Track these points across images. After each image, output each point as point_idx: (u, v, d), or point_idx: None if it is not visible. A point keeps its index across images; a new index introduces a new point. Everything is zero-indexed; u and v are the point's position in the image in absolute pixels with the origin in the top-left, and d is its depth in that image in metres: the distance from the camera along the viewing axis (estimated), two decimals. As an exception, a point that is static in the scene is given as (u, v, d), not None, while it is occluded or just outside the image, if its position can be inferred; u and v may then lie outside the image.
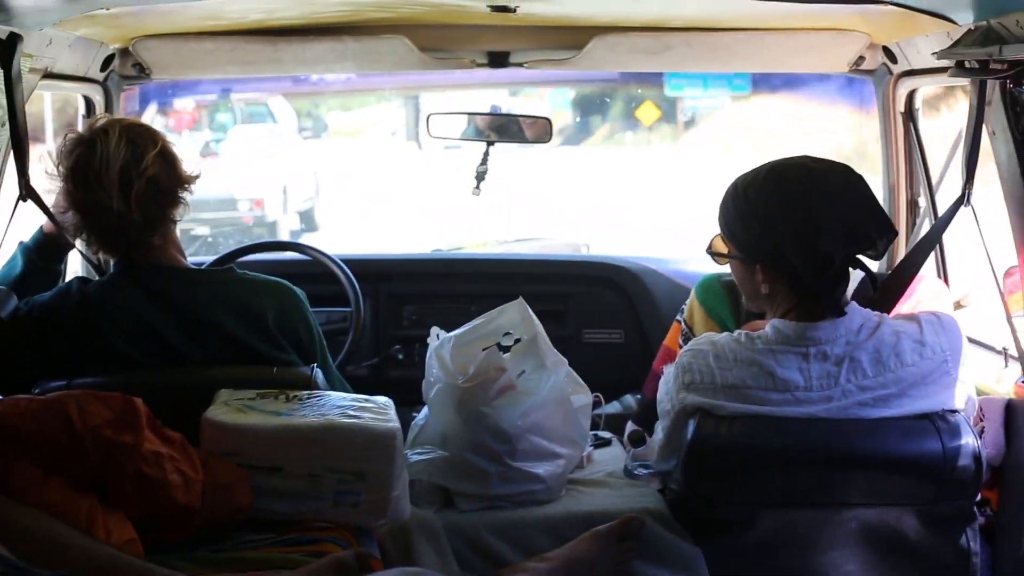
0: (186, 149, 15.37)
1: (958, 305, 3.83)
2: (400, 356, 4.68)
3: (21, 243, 3.49)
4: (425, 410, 3.45)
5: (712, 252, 3.19)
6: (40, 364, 3.08)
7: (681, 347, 3.25)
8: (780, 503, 3.02)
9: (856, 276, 3.16)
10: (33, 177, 3.27)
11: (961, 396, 3.05)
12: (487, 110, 4.64)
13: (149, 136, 3.16)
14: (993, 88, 3.29)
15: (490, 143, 4.42)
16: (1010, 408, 3.22)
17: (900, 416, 2.97)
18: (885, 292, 3.37)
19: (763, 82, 17.73)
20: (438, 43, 4.14)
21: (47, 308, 3.15)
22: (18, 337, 3.13)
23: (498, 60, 4.22)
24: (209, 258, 4.28)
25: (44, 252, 3.48)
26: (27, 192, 3.28)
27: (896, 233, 3.06)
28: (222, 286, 3.22)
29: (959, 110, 3.49)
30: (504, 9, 3.57)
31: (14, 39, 3.07)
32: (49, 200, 3.29)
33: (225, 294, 3.18)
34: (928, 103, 4.31)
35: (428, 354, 3.42)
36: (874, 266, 3.29)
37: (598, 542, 3.07)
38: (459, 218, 13.81)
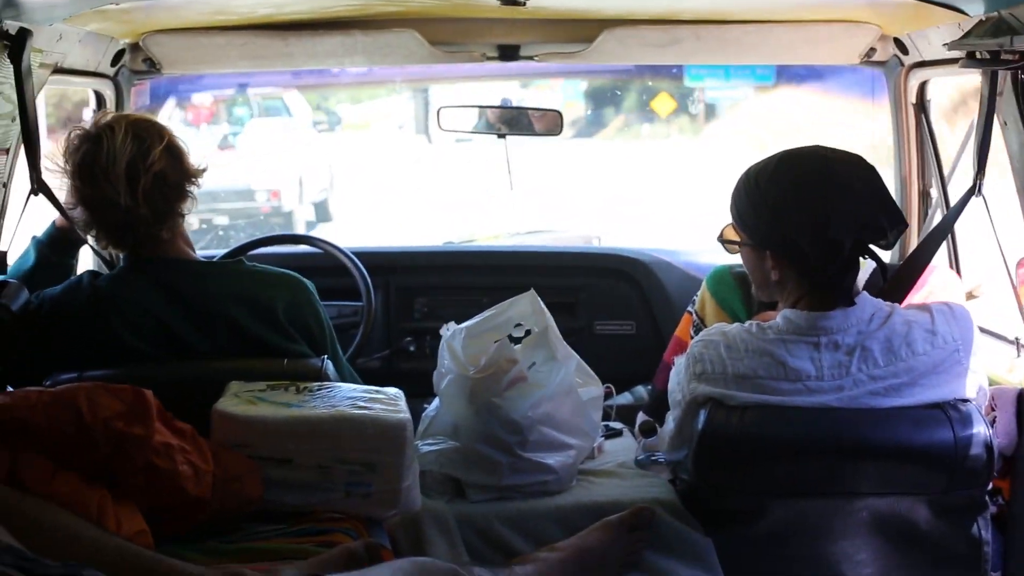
0: (204, 142, 16.03)
1: (970, 295, 3.82)
2: (411, 348, 4.69)
3: (34, 237, 3.50)
4: (436, 401, 3.46)
5: (723, 240, 3.19)
6: (51, 357, 3.09)
7: (692, 338, 3.25)
8: (791, 493, 3.02)
9: (868, 266, 3.16)
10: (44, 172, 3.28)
11: (973, 386, 3.04)
12: (497, 103, 4.62)
13: (155, 131, 3.16)
14: (1004, 79, 3.28)
15: (500, 136, 4.43)
16: (1022, 398, 3.21)
17: (911, 405, 2.96)
18: (897, 282, 3.37)
19: (788, 72, 16.99)
20: (448, 36, 4.14)
21: (58, 302, 3.16)
22: (29, 330, 3.13)
23: (508, 53, 4.22)
24: (220, 251, 4.29)
25: (56, 246, 3.49)
26: (39, 186, 3.29)
27: (907, 224, 3.06)
28: (232, 278, 3.22)
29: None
30: (514, 2, 3.56)
31: (24, 34, 3.08)
32: (61, 195, 3.30)
33: (235, 286, 3.19)
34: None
35: (440, 345, 3.42)
36: (886, 256, 3.28)
37: (609, 532, 3.07)
38: (471, 211, 13.83)
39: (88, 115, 4.13)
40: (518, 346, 3.39)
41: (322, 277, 3.61)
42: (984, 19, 3.15)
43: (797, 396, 2.96)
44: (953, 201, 3.78)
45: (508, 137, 4.47)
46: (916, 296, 3.47)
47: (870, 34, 4.02)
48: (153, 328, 3.11)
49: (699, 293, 3.63)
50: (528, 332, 3.47)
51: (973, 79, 3.55)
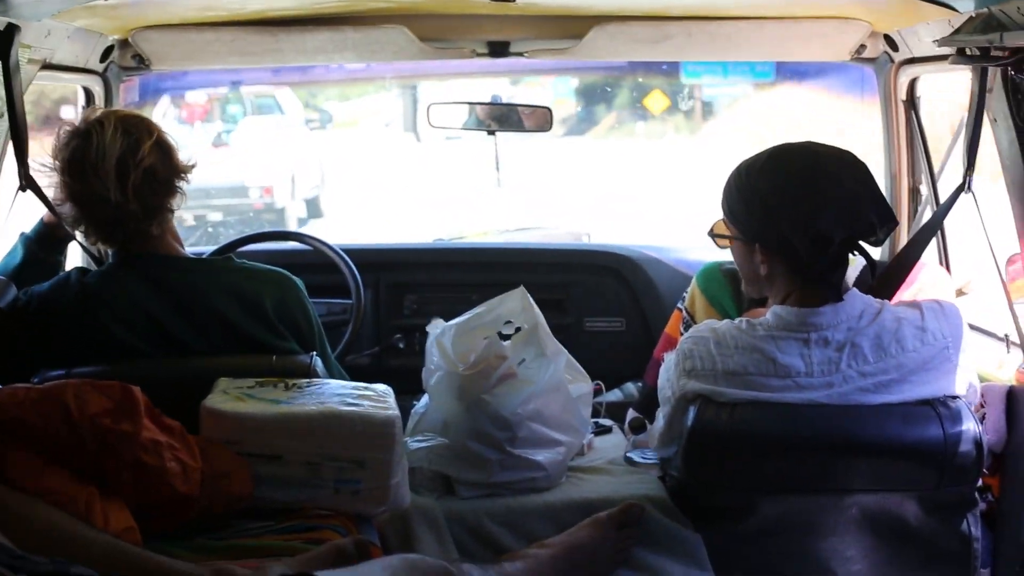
0: (198, 140, 16.25)
1: (960, 292, 3.82)
2: (401, 345, 4.69)
3: (22, 234, 3.50)
4: (425, 398, 3.46)
5: (713, 234, 3.20)
6: (39, 354, 3.08)
7: (682, 334, 3.25)
8: (781, 489, 3.01)
9: (858, 263, 3.16)
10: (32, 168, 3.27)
11: (962, 383, 3.04)
12: (487, 99, 4.62)
13: (144, 126, 3.16)
14: (994, 75, 3.28)
15: (490, 132, 4.42)
16: (1012, 395, 3.22)
17: (901, 402, 2.96)
18: (886, 279, 3.38)
19: (789, 69, 16.38)
20: (438, 33, 4.13)
21: (46, 298, 3.15)
22: (17, 327, 3.13)
23: (498, 50, 4.21)
24: (209, 248, 4.28)
25: (45, 243, 3.48)
26: (27, 183, 3.28)
27: (897, 223, 3.06)
28: (221, 275, 3.22)
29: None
30: (504, -2, 3.57)
31: (12, 30, 3.06)
32: (49, 192, 3.29)
33: (224, 283, 3.18)
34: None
35: (428, 342, 3.42)
36: (875, 254, 3.29)
37: (598, 529, 3.07)
38: (460, 208, 13.82)
39: (68, 113, 4.12)
40: (507, 343, 3.39)
41: (312, 274, 3.60)
42: (974, 15, 3.15)
43: (787, 392, 2.95)
44: (943, 198, 3.78)
45: (498, 134, 4.46)
46: (906, 293, 3.47)
47: (860, 30, 4.02)
48: (142, 324, 3.11)
49: (689, 290, 3.63)
50: (518, 329, 3.46)
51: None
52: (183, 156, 3.22)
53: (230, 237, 4.36)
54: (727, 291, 3.54)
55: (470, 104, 4.47)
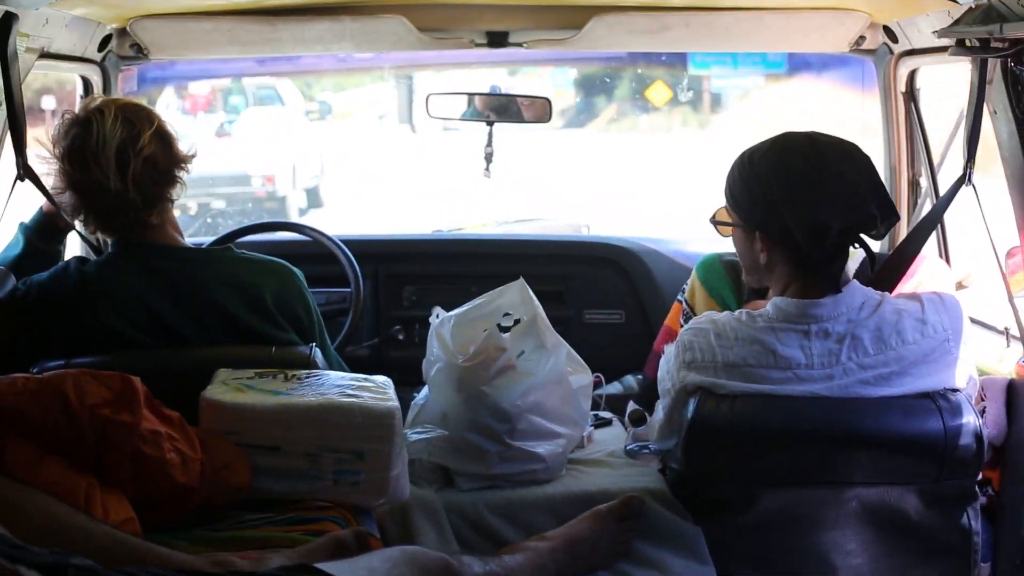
0: (202, 130, 16.61)
1: (960, 285, 3.82)
2: (400, 336, 4.69)
3: (22, 224, 3.49)
4: (425, 389, 3.45)
5: (715, 221, 3.20)
6: (38, 344, 3.08)
7: (682, 326, 3.25)
8: (781, 482, 3.01)
9: (858, 256, 3.16)
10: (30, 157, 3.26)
11: (963, 376, 3.04)
12: (486, 90, 4.61)
13: (145, 115, 3.15)
14: (994, 67, 3.27)
15: (489, 123, 4.41)
16: (1012, 388, 3.22)
17: (901, 395, 2.96)
18: (887, 272, 3.37)
19: (801, 59, 15.52)
20: (437, 23, 4.12)
21: (45, 288, 3.15)
22: (16, 317, 3.12)
23: (497, 40, 4.20)
24: (209, 238, 4.27)
25: (44, 233, 3.48)
26: (25, 172, 3.27)
27: (898, 217, 3.06)
28: (221, 265, 3.21)
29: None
30: (502, -12, 3.57)
31: (9, 18, 3.05)
32: (48, 181, 3.28)
33: (224, 273, 3.18)
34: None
35: (429, 333, 3.42)
36: (876, 246, 3.28)
37: (598, 521, 3.07)
38: (459, 199, 13.81)
39: (50, 103, 4.11)
40: (507, 335, 3.38)
41: (311, 265, 3.60)
42: (974, 6, 3.14)
43: (787, 385, 2.95)
44: (942, 190, 3.77)
45: (495, 125, 4.45)
46: (906, 285, 3.46)
47: (859, 22, 4.01)
48: (141, 314, 3.10)
49: (689, 281, 3.63)
50: (517, 321, 3.46)
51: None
52: (183, 146, 3.22)
53: (232, 225, 4.36)
54: (727, 283, 3.54)
55: (469, 95, 4.46)
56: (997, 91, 3.28)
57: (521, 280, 3.50)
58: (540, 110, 4.45)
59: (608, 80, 20.17)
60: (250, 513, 2.81)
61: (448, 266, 4.81)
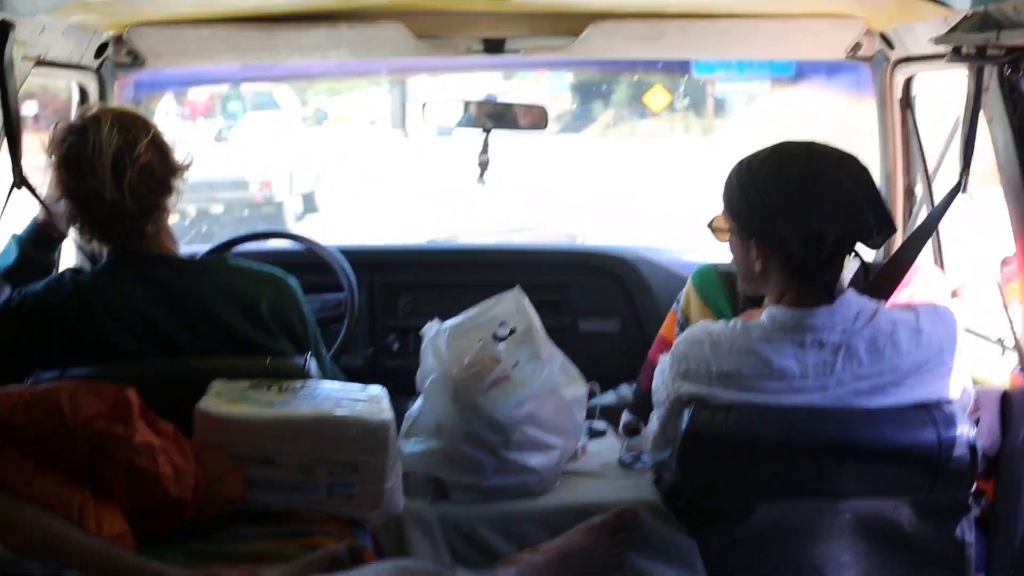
0: (201, 136, 16.95)
1: (954, 294, 3.82)
2: (396, 346, 4.69)
3: (14, 235, 3.48)
4: (420, 400, 3.45)
5: (712, 227, 3.20)
6: (33, 355, 3.07)
7: (677, 336, 3.24)
8: (775, 493, 3.01)
9: (853, 265, 3.16)
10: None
11: (957, 387, 3.04)
12: (480, 96, 4.62)
13: (141, 124, 3.15)
14: (991, 74, 3.27)
15: (486, 131, 4.41)
16: (1006, 398, 3.22)
17: (896, 406, 2.96)
18: (882, 281, 3.37)
19: (810, 65, 13.49)
20: (434, 30, 4.12)
21: (40, 298, 3.14)
22: (11, 328, 3.11)
23: (494, 47, 4.20)
24: (204, 247, 4.27)
25: (38, 243, 3.47)
26: (20, 180, 3.27)
27: (895, 229, 3.05)
28: (216, 275, 3.21)
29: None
30: (498, -5, 3.57)
31: (6, 26, 3.05)
32: (43, 190, 3.28)
33: (219, 283, 3.17)
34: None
35: (423, 344, 3.41)
36: (871, 255, 3.28)
37: (592, 534, 3.07)
38: (454, 206, 13.79)
39: (30, 109, 4.10)
40: (502, 344, 3.38)
41: (307, 274, 3.60)
42: (970, 14, 3.14)
43: (782, 395, 2.95)
44: (938, 198, 3.77)
45: (490, 132, 4.45)
46: (901, 295, 3.47)
47: (856, 28, 4.02)
48: (137, 323, 3.10)
49: (684, 291, 3.63)
50: (512, 331, 3.45)
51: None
52: (180, 155, 3.21)
53: (227, 233, 4.36)
54: (722, 292, 3.54)
55: (465, 102, 4.46)
56: (993, 99, 3.28)
57: (517, 289, 3.50)
58: (536, 117, 4.45)
59: (606, 85, 19.98)
60: (244, 527, 2.82)
61: (443, 275, 4.81)
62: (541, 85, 19.89)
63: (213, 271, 3.24)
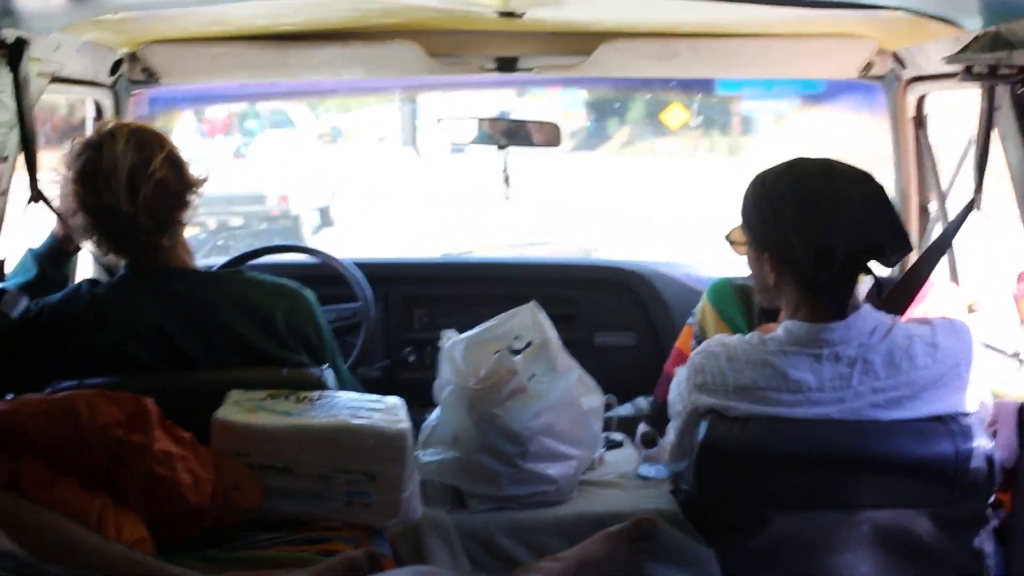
0: (220, 152, 17.46)
1: (970, 309, 3.82)
2: (412, 359, 4.70)
3: (30, 249, 3.49)
4: (437, 411, 3.45)
5: (730, 240, 3.21)
6: (51, 365, 3.08)
7: (693, 349, 3.25)
8: (792, 505, 3.01)
9: (869, 280, 3.16)
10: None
11: (974, 400, 3.03)
12: (493, 113, 4.63)
13: (156, 140, 3.17)
14: (1003, 93, 3.28)
15: (500, 147, 4.43)
16: (1023, 411, 3.21)
17: (913, 418, 2.96)
18: (897, 296, 3.37)
19: (841, 82, 13.79)
20: (446, 48, 4.14)
21: (57, 309, 3.16)
22: (29, 338, 3.13)
23: (506, 65, 4.22)
24: (219, 260, 4.28)
25: (54, 257, 3.49)
26: (37, 194, 3.29)
27: (911, 248, 3.06)
28: (232, 288, 3.22)
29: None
30: (512, 14, 3.57)
31: (21, 43, 3.08)
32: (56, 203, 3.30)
33: (235, 296, 3.18)
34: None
35: (440, 356, 3.42)
36: (885, 271, 3.28)
37: (609, 543, 3.07)
38: (472, 221, 13.79)
39: (88, 125, 4.13)
40: (518, 357, 3.39)
41: (323, 287, 3.61)
42: (982, 33, 3.16)
43: (798, 408, 2.95)
44: (952, 216, 3.78)
45: (508, 150, 4.47)
46: (916, 310, 3.47)
47: (868, 48, 4.03)
48: (152, 336, 3.11)
49: (700, 305, 3.63)
50: (528, 344, 3.46)
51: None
52: (195, 170, 3.22)
53: (242, 247, 4.37)
54: (738, 306, 3.54)
55: (479, 119, 4.48)
56: (1006, 117, 3.30)
57: (532, 303, 3.51)
58: (550, 134, 4.47)
59: (619, 104, 19.60)
60: (262, 533, 2.82)
61: (459, 289, 4.82)
62: (554, 103, 19.59)
63: (228, 284, 3.25)
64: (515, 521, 3.24)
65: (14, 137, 3.21)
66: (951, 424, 2.95)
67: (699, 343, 3.34)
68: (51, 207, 3.31)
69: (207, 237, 13.39)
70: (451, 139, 4.53)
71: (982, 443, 2.94)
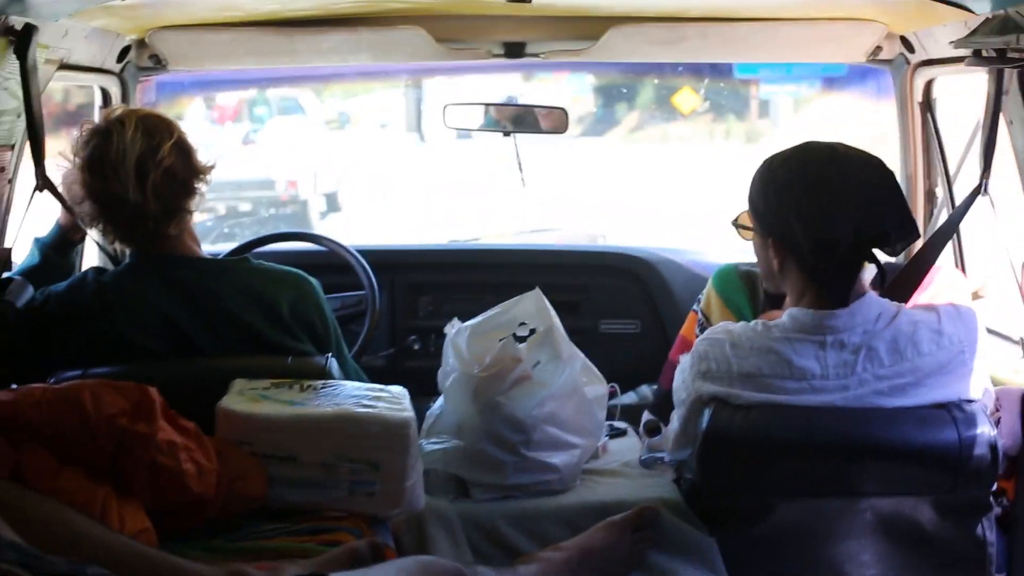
0: (229, 139, 17.46)
1: (975, 295, 3.81)
2: (416, 346, 4.70)
3: (36, 238, 3.50)
4: (440, 400, 3.45)
5: (737, 224, 3.20)
6: (56, 354, 3.09)
7: (697, 336, 3.25)
8: (795, 493, 3.01)
9: (872, 268, 3.16)
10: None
11: (978, 387, 3.03)
12: (500, 98, 4.63)
13: (165, 127, 3.16)
14: (1011, 77, 3.27)
15: (506, 134, 4.42)
16: (1027, 399, 3.21)
17: (916, 405, 2.95)
18: (902, 282, 3.36)
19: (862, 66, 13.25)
20: (454, 34, 4.14)
21: (62, 298, 3.16)
22: (34, 327, 3.13)
23: (514, 51, 4.22)
24: (225, 248, 4.29)
25: (59, 246, 3.49)
26: (43, 182, 3.30)
27: (919, 235, 3.04)
28: (237, 276, 3.22)
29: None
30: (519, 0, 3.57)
31: (30, 30, 3.08)
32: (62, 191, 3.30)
33: (240, 284, 3.19)
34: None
35: (444, 343, 3.42)
36: (891, 257, 3.28)
37: (613, 532, 3.07)
38: (474, 209, 13.77)
39: (96, 111, 4.13)
40: (523, 345, 3.39)
41: (328, 274, 3.61)
42: (991, 17, 3.14)
43: (802, 395, 2.95)
44: (959, 200, 3.77)
45: (510, 135, 4.46)
46: (921, 296, 3.45)
47: (876, 32, 4.02)
48: (158, 324, 3.11)
49: (704, 292, 3.62)
50: (533, 331, 3.46)
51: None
52: (203, 157, 3.23)
53: (249, 234, 4.38)
54: (743, 293, 3.53)
55: (486, 105, 4.47)
56: (1013, 102, 3.29)
57: (537, 290, 3.51)
58: (557, 120, 4.46)
59: (627, 88, 19.36)
60: (266, 523, 2.82)
61: (464, 276, 4.81)
62: (562, 87, 19.40)
63: (233, 272, 3.25)
64: (518, 510, 3.24)
65: (21, 125, 3.23)
66: (955, 411, 2.94)
67: (704, 330, 3.34)
68: (57, 195, 3.31)
69: (214, 223, 13.47)
70: (457, 124, 4.52)
71: (986, 430, 2.93)
